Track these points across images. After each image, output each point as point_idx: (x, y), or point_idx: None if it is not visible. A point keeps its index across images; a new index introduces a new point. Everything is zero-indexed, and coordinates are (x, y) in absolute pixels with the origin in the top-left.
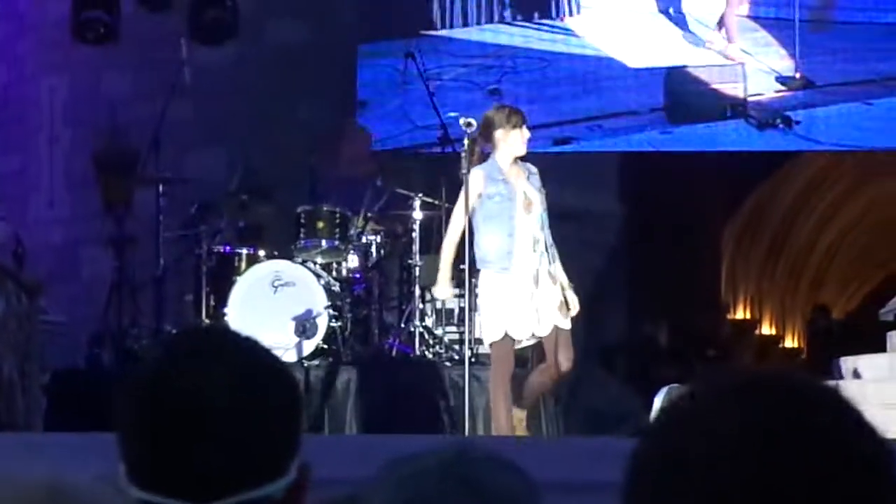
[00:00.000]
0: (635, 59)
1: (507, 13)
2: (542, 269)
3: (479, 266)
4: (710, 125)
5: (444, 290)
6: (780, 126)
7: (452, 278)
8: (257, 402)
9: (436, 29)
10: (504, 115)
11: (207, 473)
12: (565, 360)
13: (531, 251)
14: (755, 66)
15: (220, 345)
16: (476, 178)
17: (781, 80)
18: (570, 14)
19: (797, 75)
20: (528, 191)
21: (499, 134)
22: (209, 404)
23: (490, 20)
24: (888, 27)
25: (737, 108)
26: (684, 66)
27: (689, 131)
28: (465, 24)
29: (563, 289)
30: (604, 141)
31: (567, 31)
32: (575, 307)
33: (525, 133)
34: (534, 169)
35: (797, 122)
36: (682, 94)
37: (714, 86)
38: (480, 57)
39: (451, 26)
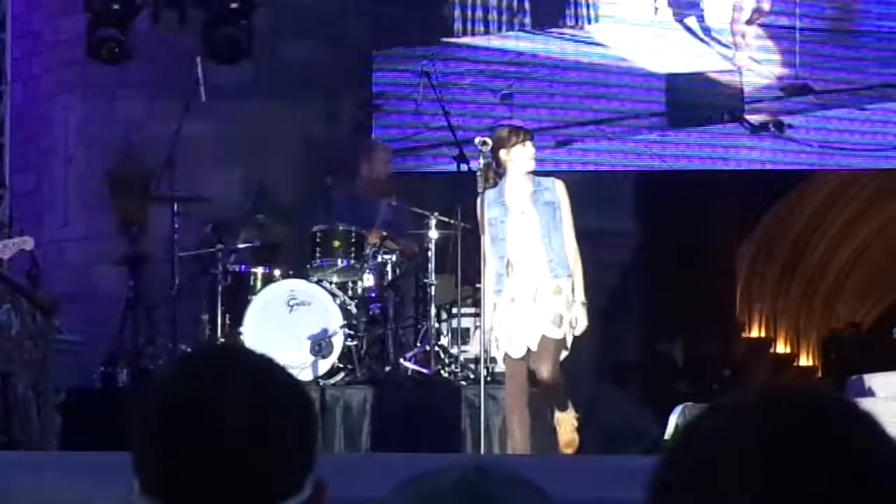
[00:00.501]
0: (647, 64)
1: (528, 21)
2: (544, 282)
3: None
4: (706, 129)
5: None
6: (772, 130)
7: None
8: (272, 419)
9: (457, 37)
10: (506, 134)
11: (222, 490)
12: (544, 370)
13: (530, 266)
14: (758, 73)
15: (236, 361)
16: (481, 203)
17: (781, 86)
18: (589, 22)
19: (797, 82)
20: (525, 207)
21: (503, 153)
22: (224, 421)
23: (511, 28)
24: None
25: (734, 113)
26: (684, 73)
27: (685, 136)
28: (487, 33)
29: (569, 303)
30: (599, 143)
31: (586, 40)
32: (581, 324)
33: (529, 149)
34: (549, 183)
35: (789, 126)
36: (680, 99)
37: (712, 91)
38: (496, 63)
39: (473, 34)
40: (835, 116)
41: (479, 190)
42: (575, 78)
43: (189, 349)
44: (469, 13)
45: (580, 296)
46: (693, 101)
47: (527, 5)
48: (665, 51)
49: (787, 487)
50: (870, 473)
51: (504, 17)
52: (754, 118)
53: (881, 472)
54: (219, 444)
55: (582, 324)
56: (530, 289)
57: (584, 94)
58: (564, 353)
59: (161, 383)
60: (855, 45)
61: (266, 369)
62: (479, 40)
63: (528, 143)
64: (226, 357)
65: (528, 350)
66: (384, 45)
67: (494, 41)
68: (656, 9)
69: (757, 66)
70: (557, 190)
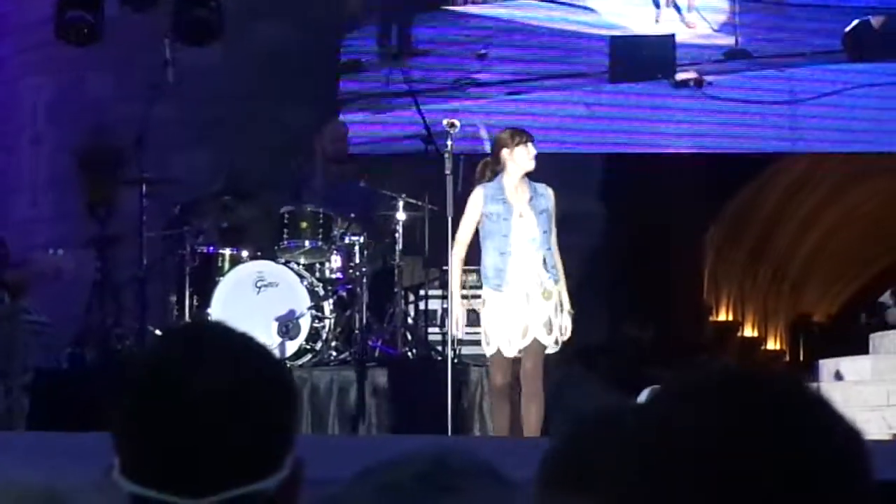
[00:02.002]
0: (609, 28)
1: None
2: (535, 286)
3: (482, 282)
4: (637, 85)
5: (456, 327)
6: (693, 86)
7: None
8: (251, 397)
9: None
10: (508, 135)
11: (201, 468)
12: (529, 371)
13: (525, 269)
14: (696, 35)
15: (215, 339)
16: (476, 197)
17: (716, 49)
18: None
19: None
20: (524, 211)
21: (505, 153)
22: (203, 399)
23: None
24: (838, 9)
25: (665, 71)
26: (627, 35)
27: (615, 89)
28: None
29: (558, 309)
30: (551, 95)
31: (560, 4)
32: (566, 332)
33: (531, 150)
34: (543, 190)
35: (709, 84)
36: (622, 57)
37: (649, 51)
38: (477, 28)
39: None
40: (762, 77)
41: (447, 172)
42: (541, 41)
43: (157, 330)
44: None
45: (567, 305)
46: (632, 59)
47: None
48: (629, 14)
49: (719, 472)
50: (809, 459)
51: None
52: (681, 76)
53: (824, 458)
54: (197, 422)
55: (568, 331)
56: (522, 291)
57: (542, 57)
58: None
59: (140, 362)
60: (788, 15)
61: (245, 347)
62: (465, 8)
63: (530, 144)
64: (204, 335)
65: (519, 350)
66: (354, 25)
67: (474, 9)
68: None
69: (700, 29)
70: (551, 200)
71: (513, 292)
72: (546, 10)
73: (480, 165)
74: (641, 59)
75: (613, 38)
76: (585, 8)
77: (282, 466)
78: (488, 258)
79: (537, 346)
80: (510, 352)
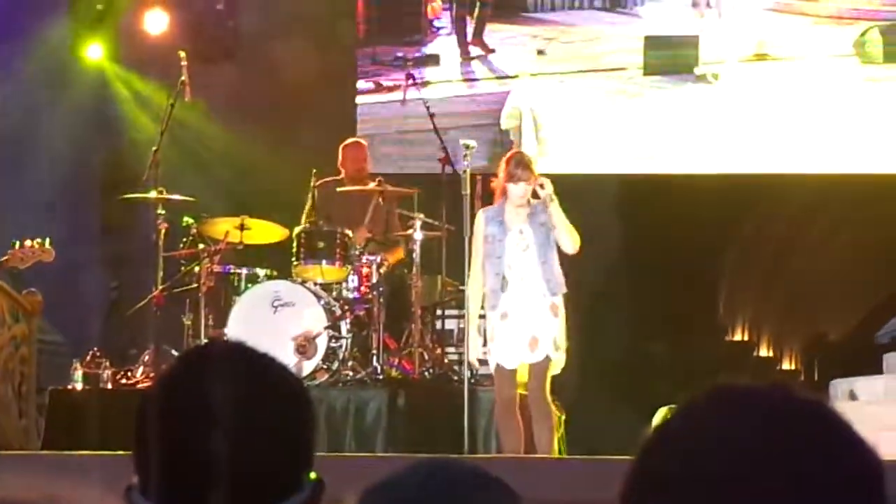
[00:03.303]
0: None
1: (599, 3)
2: (540, 301)
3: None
4: (664, 79)
5: (473, 352)
6: (710, 79)
7: (480, 335)
8: (270, 416)
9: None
10: (508, 168)
11: (220, 489)
12: (535, 386)
13: (524, 284)
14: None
15: (234, 359)
16: (478, 221)
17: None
18: (638, 4)
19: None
20: (524, 227)
21: (503, 181)
22: (224, 419)
23: (580, 7)
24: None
25: (689, 69)
26: (660, 35)
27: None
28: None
29: (563, 323)
30: (579, 81)
31: (630, 14)
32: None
33: (524, 189)
34: (541, 207)
35: (715, 76)
36: (655, 55)
37: (676, 49)
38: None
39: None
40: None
41: (465, 192)
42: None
43: (173, 350)
44: None
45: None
46: (662, 55)
47: None
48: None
49: (737, 491)
50: (826, 479)
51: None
52: (700, 71)
53: (838, 478)
54: (218, 443)
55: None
56: (524, 305)
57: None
58: (554, 371)
59: (160, 383)
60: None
61: (267, 368)
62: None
63: (521, 184)
64: (224, 354)
65: (521, 363)
66: (370, 44)
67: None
68: None
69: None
70: (545, 212)
71: (510, 308)
72: (600, 16)
73: (492, 187)
74: (669, 55)
75: (647, 37)
76: (634, 15)
77: (301, 487)
78: (487, 280)
79: (546, 363)
80: (511, 363)
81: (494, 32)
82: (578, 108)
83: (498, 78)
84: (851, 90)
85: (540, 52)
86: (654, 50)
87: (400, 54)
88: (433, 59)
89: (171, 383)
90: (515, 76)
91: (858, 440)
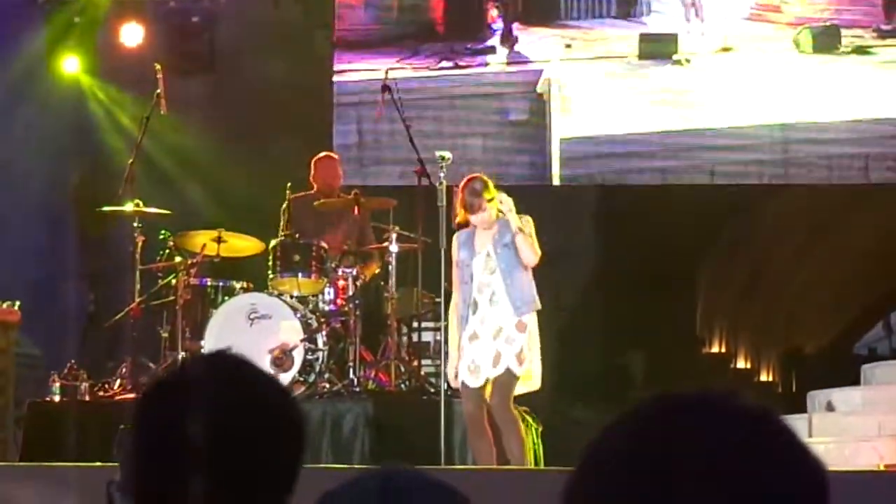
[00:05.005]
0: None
1: (613, 10)
2: (507, 321)
3: None
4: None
5: (451, 367)
6: (683, 63)
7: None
8: (251, 426)
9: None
10: (462, 202)
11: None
12: (497, 401)
13: (492, 306)
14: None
15: (225, 374)
16: (453, 245)
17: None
18: (644, 14)
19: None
20: (490, 250)
21: (463, 213)
22: (204, 427)
23: (600, 17)
24: None
25: (669, 56)
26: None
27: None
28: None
29: (532, 340)
30: (593, 63)
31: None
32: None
33: (483, 217)
34: (506, 224)
35: (687, 61)
36: (646, 46)
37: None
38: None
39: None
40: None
41: (440, 203)
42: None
43: (150, 363)
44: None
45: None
46: (653, 47)
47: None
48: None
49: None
50: (745, 490)
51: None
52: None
53: (753, 489)
54: (206, 458)
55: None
56: (492, 327)
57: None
58: (534, 387)
59: (141, 400)
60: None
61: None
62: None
63: (479, 213)
64: (215, 364)
65: (487, 380)
66: (347, 57)
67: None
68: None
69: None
70: (512, 224)
71: (479, 329)
72: (614, 22)
73: (459, 214)
74: (656, 46)
75: (641, 34)
76: (641, 23)
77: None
78: (458, 307)
79: (507, 377)
80: (475, 382)
81: (535, 32)
82: (592, 80)
83: (536, 62)
84: (789, 72)
85: (567, 46)
86: (645, 43)
87: (469, 45)
88: (491, 49)
89: (152, 402)
90: (548, 60)
91: (803, 448)
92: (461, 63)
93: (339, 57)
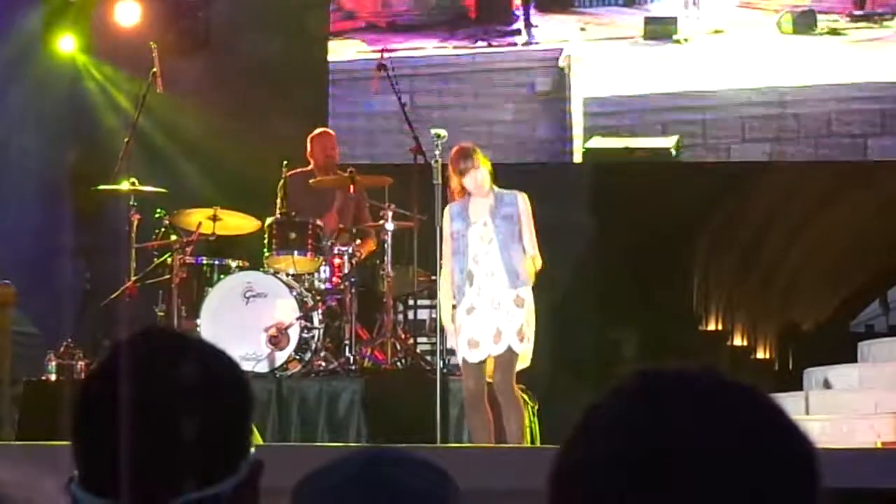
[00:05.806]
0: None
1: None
2: (504, 293)
3: None
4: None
5: (450, 339)
6: (682, 42)
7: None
8: (201, 399)
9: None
10: (454, 168)
11: (153, 474)
12: (500, 378)
13: (488, 277)
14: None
15: (163, 344)
16: (445, 216)
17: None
18: (648, 2)
19: None
20: (487, 220)
21: (456, 177)
22: (152, 404)
23: (609, 4)
24: None
25: (670, 36)
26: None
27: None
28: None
29: (530, 315)
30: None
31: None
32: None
33: (476, 176)
34: (510, 198)
35: (685, 40)
36: (650, 27)
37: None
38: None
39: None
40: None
41: (436, 181)
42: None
43: None
44: None
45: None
46: (656, 27)
47: None
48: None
49: (629, 476)
50: (721, 463)
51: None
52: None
53: (727, 461)
54: (151, 428)
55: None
56: (490, 299)
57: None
58: (523, 365)
59: (91, 372)
60: None
61: (199, 352)
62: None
63: (472, 172)
64: (153, 341)
65: (488, 356)
66: (341, 35)
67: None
68: None
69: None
70: (519, 204)
71: (475, 302)
72: (623, 10)
73: (451, 186)
74: (658, 27)
75: (646, 17)
76: (646, 9)
77: (237, 469)
78: (454, 277)
79: (509, 355)
80: (476, 357)
81: (554, 17)
82: (604, 55)
83: (555, 41)
84: (772, 49)
85: (581, 29)
86: (649, 24)
87: (498, 28)
88: (517, 32)
89: (101, 374)
90: (566, 40)
91: (790, 424)
92: (493, 43)
93: (390, 38)
